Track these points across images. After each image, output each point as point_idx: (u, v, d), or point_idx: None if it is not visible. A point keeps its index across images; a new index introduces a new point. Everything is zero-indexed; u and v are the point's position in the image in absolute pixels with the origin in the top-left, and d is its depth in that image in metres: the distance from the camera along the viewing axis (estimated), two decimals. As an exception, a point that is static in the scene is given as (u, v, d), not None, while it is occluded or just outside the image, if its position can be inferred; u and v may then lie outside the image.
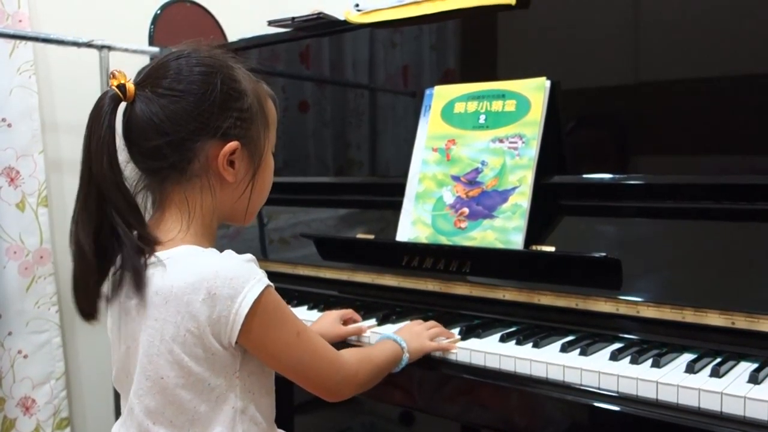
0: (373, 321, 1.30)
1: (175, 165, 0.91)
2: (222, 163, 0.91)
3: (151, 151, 0.90)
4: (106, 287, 0.92)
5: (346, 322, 1.28)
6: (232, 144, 0.91)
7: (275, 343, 0.90)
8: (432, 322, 1.20)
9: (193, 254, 0.89)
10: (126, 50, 2.07)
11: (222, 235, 1.00)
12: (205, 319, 0.85)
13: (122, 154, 0.92)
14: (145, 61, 2.09)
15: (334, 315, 1.27)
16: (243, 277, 0.86)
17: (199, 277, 0.85)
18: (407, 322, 1.21)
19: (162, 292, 0.87)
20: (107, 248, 0.89)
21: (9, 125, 2.05)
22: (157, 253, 0.89)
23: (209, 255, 0.89)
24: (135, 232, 0.90)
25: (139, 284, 0.88)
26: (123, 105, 0.91)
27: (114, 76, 0.90)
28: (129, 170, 0.93)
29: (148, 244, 0.90)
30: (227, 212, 0.97)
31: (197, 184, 0.92)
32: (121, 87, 0.89)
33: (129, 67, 0.96)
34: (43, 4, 2.16)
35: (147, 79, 0.92)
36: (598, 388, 0.99)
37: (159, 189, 0.94)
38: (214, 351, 0.87)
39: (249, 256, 0.90)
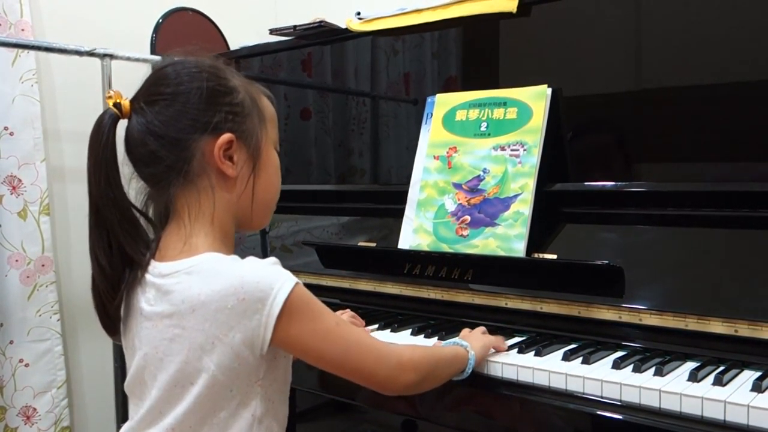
0: (374, 328, 1.30)
1: (173, 167, 0.91)
2: (218, 156, 0.92)
3: (148, 156, 0.91)
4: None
5: None
6: (226, 136, 0.92)
7: (314, 337, 0.89)
8: (481, 328, 1.18)
9: (217, 261, 0.89)
10: (128, 59, 2.08)
11: (223, 243, 1.00)
12: (235, 325, 0.86)
13: (128, 168, 0.94)
14: (147, 69, 2.10)
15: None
16: (269, 279, 0.87)
17: (227, 284, 0.86)
18: (465, 330, 1.17)
19: (189, 300, 0.87)
20: (122, 263, 0.92)
21: (11, 133, 2.06)
22: (180, 261, 0.90)
23: (233, 261, 0.90)
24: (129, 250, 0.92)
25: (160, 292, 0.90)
26: (124, 123, 0.94)
27: (110, 96, 0.92)
28: (134, 186, 0.95)
29: (135, 265, 0.92)
30: (234, 211, 0.97)
31: (200, 184, 0.93)
32: (117, 105, 0.92)
33: (131, 75, 0.97)
34: (46, 13, 2.16)
35: (140, 92, 0.94)
36: (601, 397, 0.98)
37: (165, 197, 0.94)
38: (242, 359, 0.87)
39: (273, 259, 0.90)
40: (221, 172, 0.93)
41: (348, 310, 1.31)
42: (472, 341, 1.08)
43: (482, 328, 1.17)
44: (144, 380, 0.93)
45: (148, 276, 0.92)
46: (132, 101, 0.93)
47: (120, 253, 0.92)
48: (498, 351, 1.12)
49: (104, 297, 0.92)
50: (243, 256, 0.92)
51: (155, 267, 0.92)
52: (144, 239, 0.95)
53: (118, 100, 0.92)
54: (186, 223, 0.93)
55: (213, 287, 0.86)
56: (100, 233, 0.91)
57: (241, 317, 0.85)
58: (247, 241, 1.75)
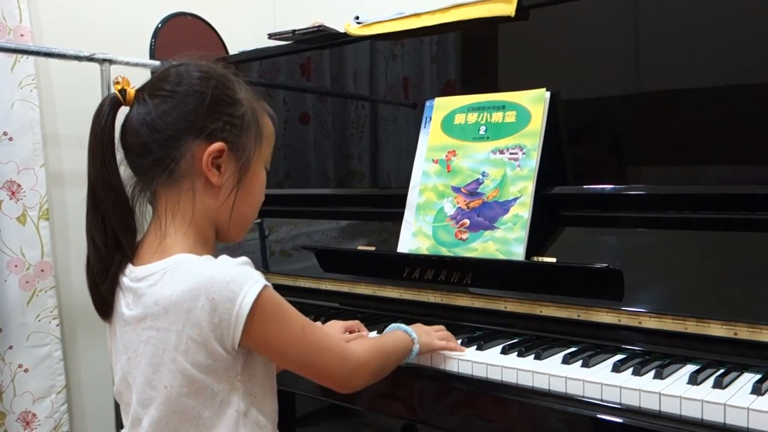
0: (374, 334, 1.30)
1: (160, 163, 0.92)
2: (206, 162, 0.93)
3: (139, 147, 0.93)
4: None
5: (350, 333, 1.28)
6: (218, 144, 0.93)
7: (280, 340, 0.91)
8: (440, 326, 1.20)
9: (189, 261, 0.90)
10: (127, 63, 2.08)
11: (222, 248, 1.00)
12: (207, 324, 0.86)
13: (120, 155, 0.95)
14: (146, 74, 2.10)
15: (338, 325, 1.27)
16: (240, 279, 0.88)
17: (197, 283, 0.87)
18: (416, 324, 1.20)
19: (161, 302, 0.88)
20: (115, 245, 0.94)
21: (10, 139, 2.06)
22: (153, 263, 0.91)
23: (204, 261, 0.90)
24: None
25: (136, 295, 0.91)
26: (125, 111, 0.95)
27: (117, 82, 0.94)
28: (123, 173, 0.95)
29: (125, 249, 0.94)
30: (213, 219, 0.97)
31: (182, 185, 0.94)
32: (122, 92, 0.93)
33: (130, 80, 0.98)
34: (45, 18, 2.17)
35: (147, 84, 0.96)
36: (601, 400, 0.98)
37: (148, 192, 0.96)
38: (217, 356, 0.88)
39: (244, 259, 0.91)
40: (206, 179, 0.94)
41: (357, 321, 1.31)
42: (422, 337, 1.11)
43: (439, 326, 1.20)
44: (129, 385, 0.94)
45: (125, 280, 0.93)
46: (137, 91, 0.94)
47: (113, 235, 0.93)
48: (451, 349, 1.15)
49: (97, 277, 0.94)
50: (221, 255, 0.92)
51: (132, 271, 0.93)
52: (134, 228, 0.96)
53: (125, 87, 0.93)
54: (163, 223, 0.94)
55: (184, 287, 0.87)
56: (96, 214, 0.93)
57: (211, 316, 0.86)
58: (247, 245, 1.75)
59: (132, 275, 0.92)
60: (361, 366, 0.98)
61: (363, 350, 0.99)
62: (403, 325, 1.12)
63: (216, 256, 0.92)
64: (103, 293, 0.94)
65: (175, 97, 0.92)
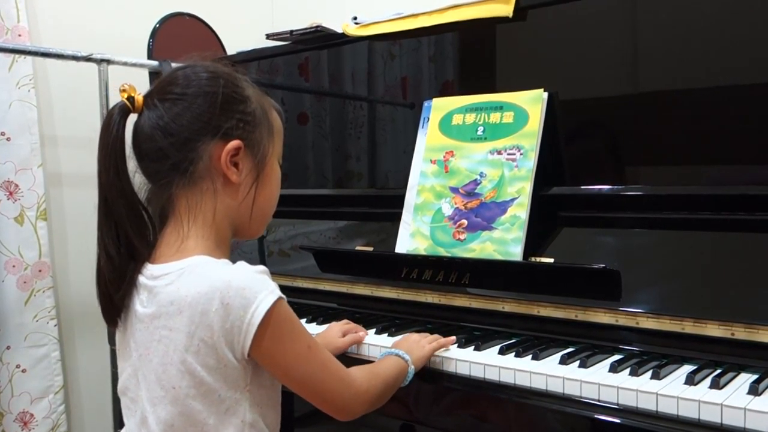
0: (372, 332, 1.30)
1: (178, 166, 0.92)
2: (225, 161, 0.93)
3: (155, 153, 0.93)
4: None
5: (345, 335, 1.28)
6: (235, 142, 0.94)
7: (286, 355, 0.91)
8: (424, 334, 1.19)
9: (206, 264, 0.90)
10: (125, 64, 2.07)
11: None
12: (218, 328, 0.87)
13: (132, 163, 0.95)
14: (144, 74, 2.10)
15: (336, 328, 1.27)
16: (255, 287, 0.88)
17: (212, 287, 0.87)
18: (405, 335, 1.20)
19: (177, 302, 0.88)
20: (129, 254, 0.93)
21: (8, 139, 2.06)
22: (171, 263, 0.92)
23: (222, 265, 0.91)
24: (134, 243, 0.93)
25: (151, 294, 0.91)
26: (133, 118, 0.95)
27: (124, 90, 0.94)
28: (138, 181, 0.95)
29: (140, 256, 0.93)
30: (233, 217, 0.98)
31: (202, 187, 0.94)
32: (131, 99, 0.93)
33: (128, 80, 0.98)
34: (43, 18, 2.17)
35: (155, 89, 0.96)
36: (598, 400, 0.98)
37: (166, 196, 0.95)
38: (227, 362, 0.88)
39: (262, 267, 0.91)
40: (225, 178, 0.94)
41: (349, 321, 1.31)
42: (414, 353, 1.10)
43: (426, 335, 1.19)
44: (138, 381, 0.94)
45: (141, 278, 0.93)
46: (146, 97, 0.94)
47: (127, 243, 0.93)
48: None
49: (111, 286, 0.93)
50: (239, 260, 0.92)
51: (148, 269, 0.93)
52: (148, 234, 0.96)
53: (132, 94, 0.93)
54: (184, 224, 0.94)
55: (199, 289, 0.87)
56: (109, 224, 0.93)
57: (223, 321, 0.86)
58: (244, 245, 1.75)
59: (148, 273, 0.93)
60: (361, 393, 0.98)
61: (363, 378, 0.99)
62: (395, 350, 1.11)
63: (234, 261, 0.93)
64: (117, 302, 0.94)
65: (186, 100, 0.92)
